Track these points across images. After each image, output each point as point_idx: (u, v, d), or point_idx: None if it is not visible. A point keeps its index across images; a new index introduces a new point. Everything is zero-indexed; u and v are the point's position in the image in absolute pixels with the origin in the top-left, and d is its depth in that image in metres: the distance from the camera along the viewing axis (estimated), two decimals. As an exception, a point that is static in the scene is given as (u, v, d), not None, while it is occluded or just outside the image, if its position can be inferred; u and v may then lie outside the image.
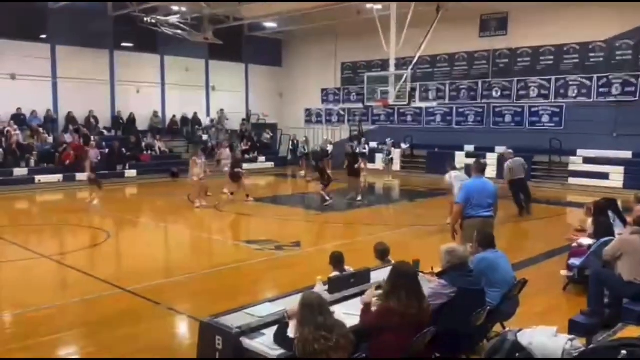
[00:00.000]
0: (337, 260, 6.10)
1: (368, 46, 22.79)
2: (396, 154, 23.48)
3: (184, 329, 6.69)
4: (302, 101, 28.64)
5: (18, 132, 20.41)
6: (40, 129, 21.07)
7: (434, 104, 23.58)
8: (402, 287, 4.12)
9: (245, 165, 24.39)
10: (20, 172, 19.44)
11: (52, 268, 9.33)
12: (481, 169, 7.91)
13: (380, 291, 4.44)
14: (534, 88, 21.33)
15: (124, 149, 21.94)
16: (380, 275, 5.32)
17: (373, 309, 4.33)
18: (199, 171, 14.91)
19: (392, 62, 18.93)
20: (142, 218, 14.95)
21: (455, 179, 11.55)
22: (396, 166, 23.54)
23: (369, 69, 24.39)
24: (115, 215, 14.59)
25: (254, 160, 25.82)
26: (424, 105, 23.55)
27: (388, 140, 22.73)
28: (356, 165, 16.55)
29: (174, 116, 25.73)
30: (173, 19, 22.55)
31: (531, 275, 6.47)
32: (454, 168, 12.58)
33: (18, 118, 21.22)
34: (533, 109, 21.36)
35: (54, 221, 13.80)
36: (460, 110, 23.31)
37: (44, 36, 21.96)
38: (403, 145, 23.91)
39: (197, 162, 15.04)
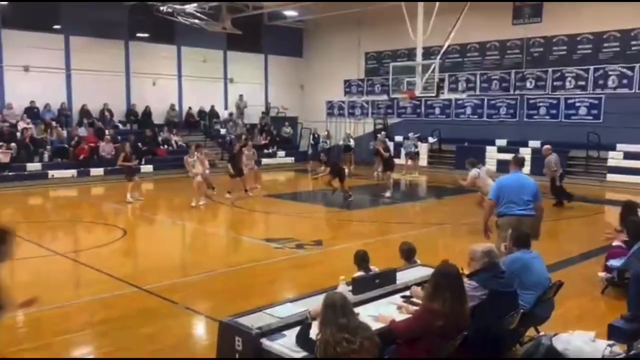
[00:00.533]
0: (361, 259, 5.93)
1: (393, 35, 21.92)
2: (423, 148, 22.48)
3: (202, 329, 6.56)
4: (324, 93, 27.72)
5: (31, 125, 19.90)
6: (54, 123, 20.46)
7: (464, 95, 22.63)
8: (447, 288, 3.99)
9: (264, 160, 24.00)
10: (33, 167, 18.96)
11: (66, 266, 9.21)
12: (519, 163, 7.59)
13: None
14: (571, 78, 20.20)
15: (139, 144, 21.27)
16: (406, 276, 5.30)
17: (402, 316, 4.21)
18: (198, 169, 14.30)
19: (419, 52, 18.06)
20: (158, 215, 14.60)
21: (485, 173, 11.37)
22: (423, 161, 22.57)
23: (394, 59, 23.41)
24: (131, 211, 14.21)
25: (273, 155, 25.02)
26: (453, 96, 22.64)
27: (411, 135, 21.77)
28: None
29: (190, 109, 25.03)
30: (190, 8, 21.81)
31: (567, 277, 6.23)
32: (474, 164, 11.88)
33: (31, 111, 20.70)
34: (569, 101, 20.24)
35: (69, 217, 13.48)
36: (492, 102, 22.21)
37: (57, 27, 21.37)
38: (430, 139, 22.88)
39: (189, 160, 14.46)
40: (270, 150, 25.04)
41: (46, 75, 21.02)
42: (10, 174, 18.19)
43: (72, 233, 12.11)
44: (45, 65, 20.83)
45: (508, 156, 20.22)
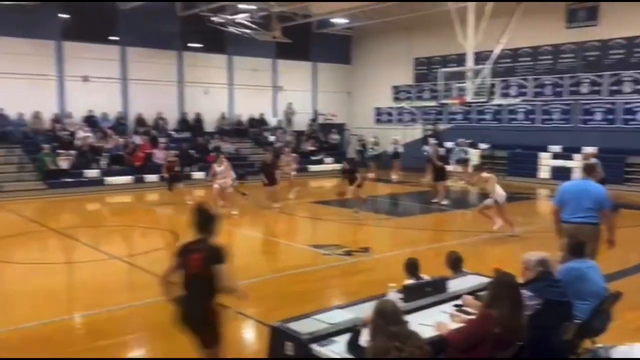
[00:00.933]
0: (412, 267, 5.88)
1: (443, 40, 21.65)
2: (473, 154, 22.09)
3: (252, 333, 6.66)
4: (372, 100, 27.67)
5: (90, 134, 20.65)
6: (111, 131, 21.19)
7: (516, 100, 22.10)
8: (505, 297, 3.95)
9: (311, 167, 24.14)
10: (91, 173, 19.61)
11: (123, 269, 9.44)
12: (586, 169, 7.31)
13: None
14: (628, 83, 19.47)
15: (191, 151, 21.76)
16: (457, 285, 5.23)
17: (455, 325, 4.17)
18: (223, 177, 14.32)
19: (469, 57, 17.82)
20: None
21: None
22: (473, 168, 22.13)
23: (444, 64, 23.12)
24: (184, 217, 14.26)
25: (321, 161, 25.12)
26: (504, 102, 22.11)
27: (460, 140, 21.43)
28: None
29: (240, 115, 25.42)
30: (241, 18, 22.19)
31: (625, 287, 5.84)
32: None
33: (90, 120, 21.49)
34: (627, 106, 19.51)
35: (125, 222, 13.87)
36: (545, 107, 21.65)
37: (114, 38, 22.13)
38: (481, 146, 22.47)
39: (217, 169, 14.36)
40: (317, 157, 25.14)
41: (104, 85, 21.80)
42: (69, 180, 18.91)
43: (128, 237, 12.46)
44: (103, 76, 21.62)
45: (562, 163, 20.10)
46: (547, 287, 4.47)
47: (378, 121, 27.61)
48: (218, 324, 4.48)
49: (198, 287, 4.39)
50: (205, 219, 4.54)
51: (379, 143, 23.83)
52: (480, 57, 19.01)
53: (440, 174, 16.04)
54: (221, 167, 14.20)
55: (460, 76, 18.10)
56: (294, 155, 19.61)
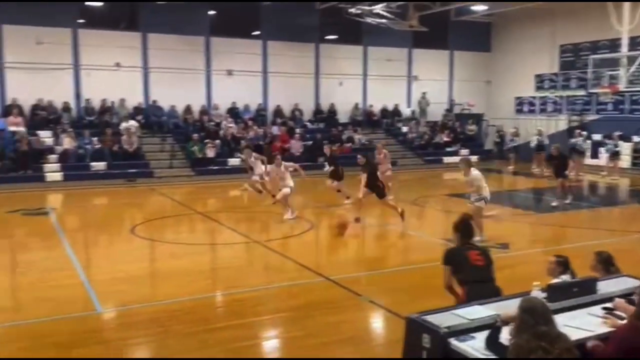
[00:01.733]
0: (562, 264, 5.53)
1: (593, 25, 20.13)
2: (625, 148, 20.28)
3: (385, 323, 6.63)
4: (513, 89, 26.37)
5: (233, 124, 21.89)
6: (251, 122, 22.30)
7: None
8: None
9: (446, 159, 23.58)
10: (233, 162, 20.74)
11: (261, 252, 9.89)
12: None
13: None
14: None
15: (325, 141, 22.25)
16: (608, 286, 4.88)
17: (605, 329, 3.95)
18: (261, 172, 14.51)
19: (624, 42, 16.48)
20: (341, 210, 14.78)
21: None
22: (625, 163, 20.35)
23: (594, 51, 21.44)
24: (315, 205, 14.73)
25: (456, 153, 24.46)
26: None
27: (615, 134, 19.72)
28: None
29: (371, 106, 25.53)
30: (378, 8, 22.22)
31: None
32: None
33: (233, 112, 22.78)
34: None
35: (263, 209, 14.19)
36: None
37: (257, 32, 23.21)
38: (635, 139, 20.55)
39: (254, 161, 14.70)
40: (453, 149, 24.53)
41: (245, 78, 22.99)
42: (215, 167, 20.25)
43: (265, 223, 12.94)
44: (245, 69, 22.81)
45: None
46: None
47: (518, 111, 26.28)
48: None
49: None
50: (468, 228, 5.48)
51: (519, 134, 22.72)
52: (637, 42, 17.35)
53: (561, 170, 14.12)
54: (280, 168, 12.75)
55: (613, 63, 16.75)
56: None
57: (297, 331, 6.19)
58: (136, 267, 8.79)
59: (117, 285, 7.75)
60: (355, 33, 24.48)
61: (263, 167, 14.97)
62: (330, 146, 18.68)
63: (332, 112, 24.59)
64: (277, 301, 7.30)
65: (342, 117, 24.81)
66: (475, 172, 10.29)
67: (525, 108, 26.04)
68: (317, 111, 24.57)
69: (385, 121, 25.56)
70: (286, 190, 12.29)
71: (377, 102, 25.65)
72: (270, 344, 6.18)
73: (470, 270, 5.13)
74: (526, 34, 25.41)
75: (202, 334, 6.01)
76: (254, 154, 15.59)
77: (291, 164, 13.33)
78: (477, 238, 10.10)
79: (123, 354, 5.73)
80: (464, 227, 5.48)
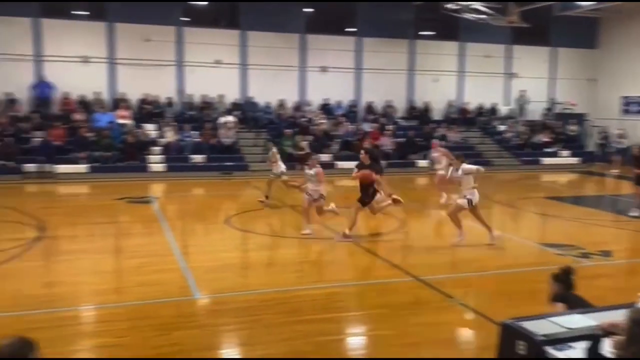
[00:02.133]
0: None
1: None
2: None
3: (477, 327, 6.47)
4: (619, 88, 24.77)
5: (324, 120, 22.14)
6: (343, 118, 22.44)
7: None
8: None
9: (545, 160, 22.57)
10: (324, 157, 20.96)
11: (350, 249, 9.88)
12: None
13: None
14: None
15: (417, 139, 22.01)
16: None
17: None
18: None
19: None
20: (431, 209, 14.56)
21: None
22: None
23: None
24: (405, 204, 14.54)
25: (555, 154, 23.37)
26: None
27: None
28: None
29: (468, 104, 24.89)
30: (476, 4, 21.62)
31: None
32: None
33: (325, 107, 23.03)
34: None
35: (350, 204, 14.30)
36: None
37: (352, 29, 23.30)
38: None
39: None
40: (552, 149, 23.44)
41: (339, 74, 23.15)
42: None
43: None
44: (338, 66, 22.98)
45: None
46: None
47: (626, 112, 24.65)
48: None
49: None
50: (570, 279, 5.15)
51: (626, 136, 21.32)
52: None
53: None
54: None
55: None
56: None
57: (385, 330, 6.18)
58: (230, 256, 9.17)
59: (213, 273, 8.13)
60: (451, 29, 23.99)
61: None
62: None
63: (426, 109, 24.23)
64: (366, 298, 7.37)
65: (436, 114, 24.40)
66: (468, 166, 9.84)
67: (633, 108, 24.36)
68: (411, 108, 24.31)
69: (480, 119, 24.85)
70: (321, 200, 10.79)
71: (473, 99, 24.97)
72: (358, 340, 6.24)
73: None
74: (639, 30, 23.76)
75: (291, 325, 6.16)
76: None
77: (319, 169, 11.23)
78: (458, 238, 9.92)
79: (216, 339, 6.01)
80: (567, 278, 5.14)
